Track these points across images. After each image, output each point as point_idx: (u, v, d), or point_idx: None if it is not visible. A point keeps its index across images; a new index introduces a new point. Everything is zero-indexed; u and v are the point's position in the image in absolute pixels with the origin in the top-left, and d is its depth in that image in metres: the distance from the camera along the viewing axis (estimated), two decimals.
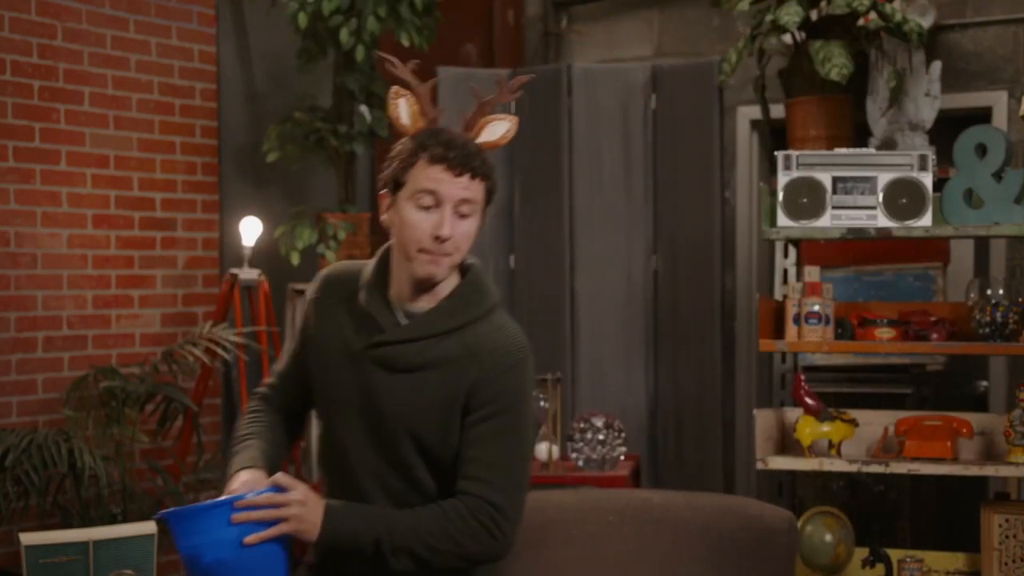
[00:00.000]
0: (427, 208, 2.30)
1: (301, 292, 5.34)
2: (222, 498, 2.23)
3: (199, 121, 5.37)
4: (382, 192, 2.38)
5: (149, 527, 3.02)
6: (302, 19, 5.07)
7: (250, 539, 2.20)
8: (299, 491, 2.24)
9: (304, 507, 2.23)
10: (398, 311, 2.38)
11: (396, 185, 2.35)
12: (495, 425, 2.32)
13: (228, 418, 5.45)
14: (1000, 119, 5.10)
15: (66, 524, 4.30)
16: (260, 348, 4.98)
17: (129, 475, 4.59)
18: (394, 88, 2.42)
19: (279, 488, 2.25)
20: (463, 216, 2.31)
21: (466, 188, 2.30)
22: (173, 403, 4.72)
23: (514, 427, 2.35)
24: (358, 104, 5.32)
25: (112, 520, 4.34)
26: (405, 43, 5.24)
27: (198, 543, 2.19)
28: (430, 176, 2.30)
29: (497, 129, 2.39)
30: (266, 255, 5.26)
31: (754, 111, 5.39)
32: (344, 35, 5.06)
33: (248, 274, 5.01)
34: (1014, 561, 3.73)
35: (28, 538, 2.87)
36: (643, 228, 5.30)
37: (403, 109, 2.39)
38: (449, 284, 2.40)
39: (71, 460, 4.24)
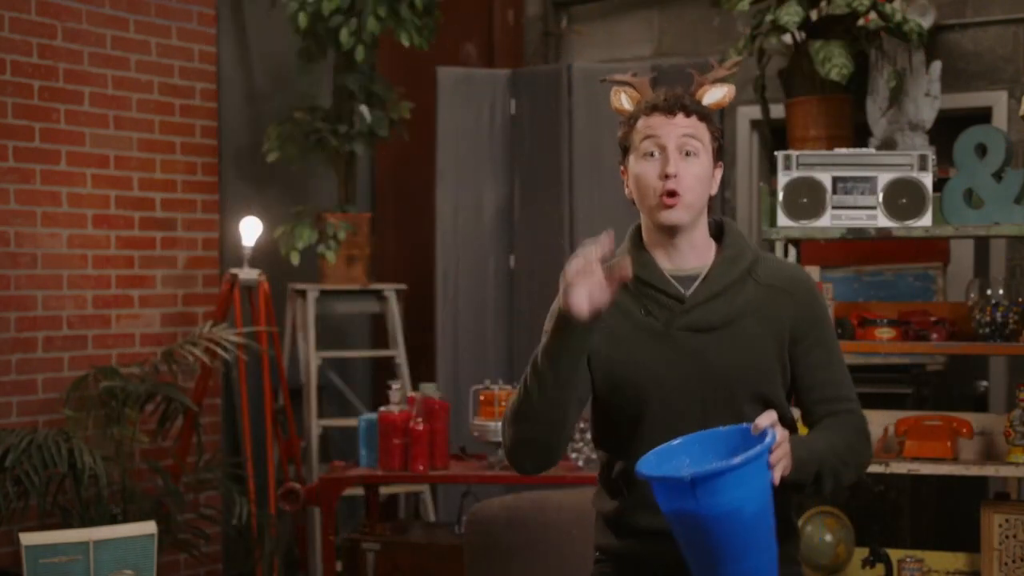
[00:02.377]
0: (651, 155, 2.37)
1: (301, 292, 5.36)
2: (753, 450, 2.10)
3: (199, 121, 5.37)
4: (621, 169, 2.46)
5: (149, 527, 3.02)
6: (302, 19, 5.07)
7: (776, 477, 2.13)
8: (782, 428, 2.18)
9: (788, 440, 2.20)
10: (675, 278, 2.40)
11: (624, 153, 2.44)
12: (828, 343, 2.42)
13: (228, 418, 5.45)
14: (1000, 119, 5.10)
15: (66, 524, 4.30)
16: (260, 348, 4.98)
17: (129, 475, 4.59)
18: (614, 87, 2.60)
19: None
20: (688, 155, 2.35)
21: (687, 126, 2.36)
22: (173, 403, 4.72)
23: (835, 341, 2.46)
24: (358, 104, 5.32)
25: (112, 520, 4.34)
26: (405, 43, 5.24)
27: (741, 495, 2.08)
28: (648, 125, 2.38)
29: (716, 93, 2.51)
30: (266, 255, 5.26)
31: (754, 111, 5.39)
32: (344, 35, 5.06)
33: (248, 274, 5.01)
34: (1014, 561, 3.73)
35: (28, 538, 2.87)
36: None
37: (623, 98, 2.55)
38: (709, 240, 2.44)
39: (71, 460, 4.24)
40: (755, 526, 2.12)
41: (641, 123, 2.41)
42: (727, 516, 2.09)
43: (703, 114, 2.40)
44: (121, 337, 5.09)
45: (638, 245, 2.45)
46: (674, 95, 2.41)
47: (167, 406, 4.73)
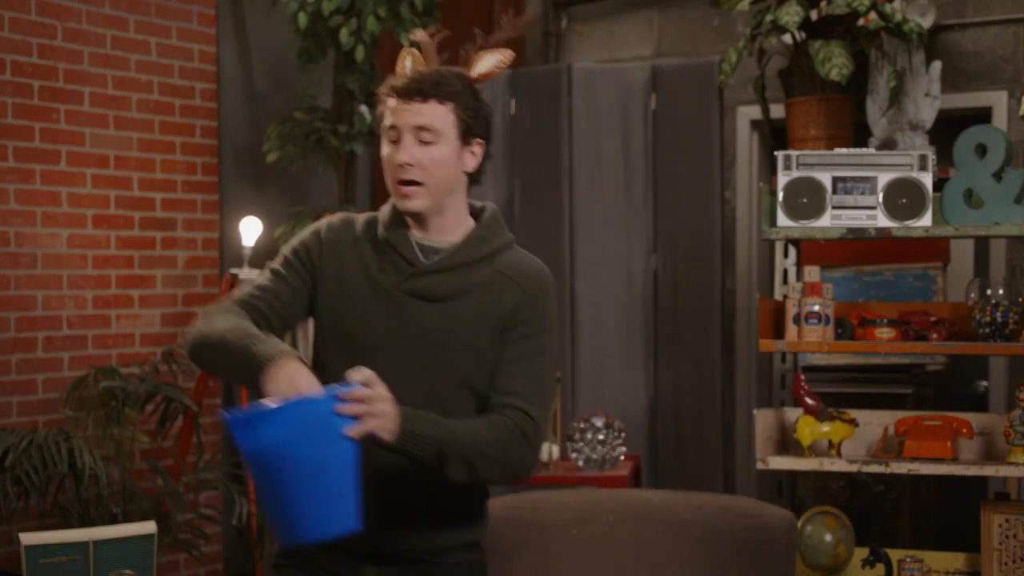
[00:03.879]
0: (394, 141, 2.36)
1: None
2: (321, 392, 2.16)
3: (199, 121, 5.37)
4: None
5: (149, 527, 3.02)
6: (302, 19, 5.07)
7: (349, 431, 2.16)
8: (383, 388, 2.21)
9: (391, 405, 2.21)
10: (420, 247, 2.41)
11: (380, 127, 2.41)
12: (534, 344, 2.40)
13: None
14: (1000, 119, 5.10)
15: (66, 524, 4.30)
16: None
17: (129, 475, 4.59)
18: (404, 48, 2.48)
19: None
20: (425, 143, 2.34)
21: (420, 113, 2.33)
22: (173, 403, 4.72)
23: (549, 348, 2.44)
24: (358, 104, 5.32)
25: (112, 520, 4.34)
26: (405, 43, 5.24)
27: (289, 437, 2.13)
28: (389, 108, 2.36)
29: (489, 61, 2.45)
30: (266, 255, 5.25)
31: (754, 111, 5.39)
32: (344, 35, 5.06)
33: (248, 274, 5.01)
34: (1014, 561, 3.73)
35: (28, 538, 2.87)
36: (643, 228, 5.30)
37: (409, 62, 2.45)
38: (467, 221, 2.45)
39: (71, 460, 4.24)
40: (322, 472, 2.14)
41: (385, 104, 2.38)
42: (285, 457, 2.13)
43: (445, 96, 2.35)
44: (121, 337, 5.09)
45: (395, 206, 2.44)
46: (416, 78, 2.36)
47: (167, 406, 4.73)
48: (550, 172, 5.33)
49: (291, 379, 2.19)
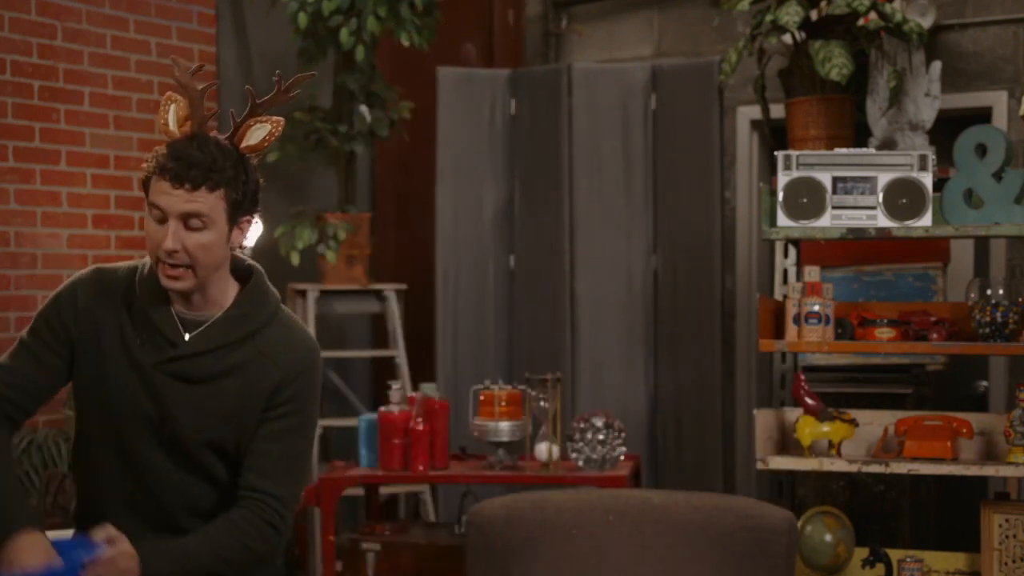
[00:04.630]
0: (160, 221, 2.29)
1: (302, 292, 5.36)
2: (64, 565, 2.18)
3: None
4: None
5: None
6: (302, 19, 5.07)
7: None
8: (126, 543, 2.25)
9: (134, 560, 2.25)
10: (181, 320, 2.38)
11: (145, 192, 2.34)
12: (288, 423, 2.40)
13: None
14: (1000, 119, 5.10)
15: (66, 524, 4.30)
16: None
17: None
18: (167, 93, 2.42)
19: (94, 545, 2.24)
20: (193, 229, 2.28)
21: (189, 201, 2.26)
22: None
23: (304, 425, 2.44)
24: (358, 104, 5.32)
25: None
26: (405, 43, 5.24)
27: None
28: (157, 189, 2.28)
29: (258, 133, 2.38)
30: (266, 255, 5.25)
31: (754, 111, 5.38)
32: (344, 35, 5.06)
33: None
34: (1014, 561, 3.73)
35: None
36: (643, 228, 5.30)
37: (171, 114, 2.38)
38: (230, 290, 2.42)
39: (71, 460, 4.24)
40: None
41: (154, 184, 2.28)
42: None
43: (215, 184, 2.28)
44: None
45: (155, 277, 2.37)
46: (188, 162, 2.26)
47: None
48: (550, 172, 5.33)
49: (17, 555, 2.21)
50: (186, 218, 2.27)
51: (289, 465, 2.41)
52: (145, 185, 2.31)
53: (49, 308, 2.41)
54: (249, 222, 2.38)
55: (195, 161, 2.27)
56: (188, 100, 2.39)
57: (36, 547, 2.23)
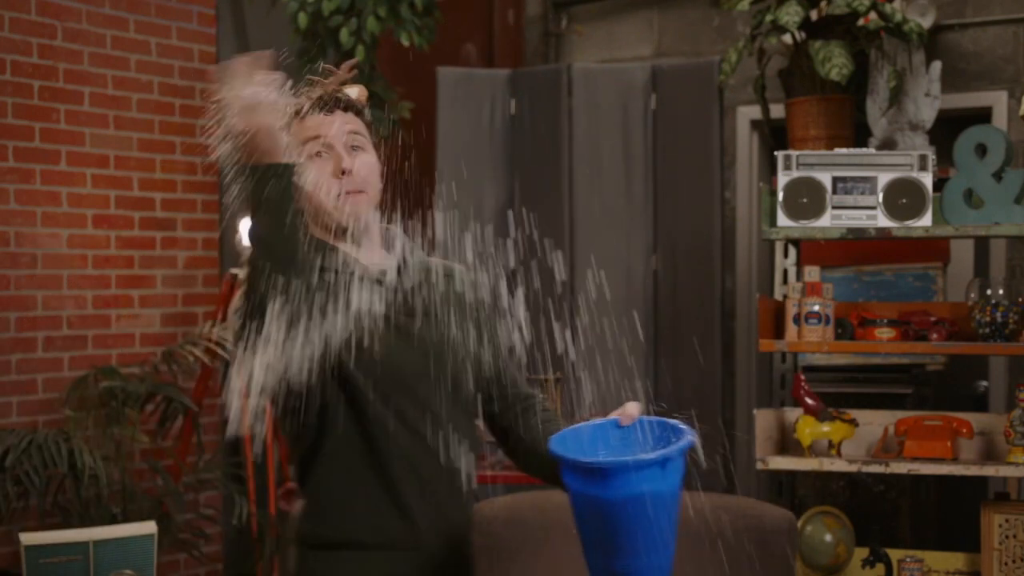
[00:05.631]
0: (318, 155, 2.30)
1: None
2: (686, 439, 2.07)
3: (199, 121, 5.36)
4: None
5: (149, 527, 3.02)
6: (302, 19, 5.07)
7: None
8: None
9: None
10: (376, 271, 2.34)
11: (295, 145, 2.32)
12: (491, 329, 2.46)
13: (228, 418, 5.45)
14: (1000, 119, 5.10)
15: (66, 524, 4.30)
16: None
17: (129, 475, 4.59)
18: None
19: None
20: (358, 147, 2.33)
21: (348, 121, 2.33)
22: (173, 403, 4.72)
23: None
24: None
25: (112, 520, 4.34)
26: (405, 43, 5.24)
27: (661, 487, 2.02)
28: (311, 125, 2.31)
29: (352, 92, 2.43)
30: None
31: (754, 111, 5.39)
32: (344, 35, 5.06)
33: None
34: (1014, 561, 3.73)
35: (28, 538, 2.87)
36: (643, 228, 5.30)
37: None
38: (378, 231, 2.39)
39: (71, 460, 4.25)
40: (664, 522, 2.05)
41: (299, 127, 2.31)
42: (643, 506, 2.00)
43: (357, 110, 2.37)
44: (121, 337, 5.09)
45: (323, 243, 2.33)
46: (328, 93, 2.36)
47: (167, 406, 4.73)
48: (550, 172, 5.33)
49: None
50: (350, 137, 2.31)
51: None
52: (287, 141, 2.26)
53: None
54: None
55: (335, 94, 2.35)
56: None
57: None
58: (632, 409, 2.19)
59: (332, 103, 2.33)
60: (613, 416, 2.20)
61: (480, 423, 2.44)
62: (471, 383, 2.36)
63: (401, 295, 2.34)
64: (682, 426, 2.12)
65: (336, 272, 2.28)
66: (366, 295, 2.30)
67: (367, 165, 2.32)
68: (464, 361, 2.35)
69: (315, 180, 2.29)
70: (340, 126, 2.31)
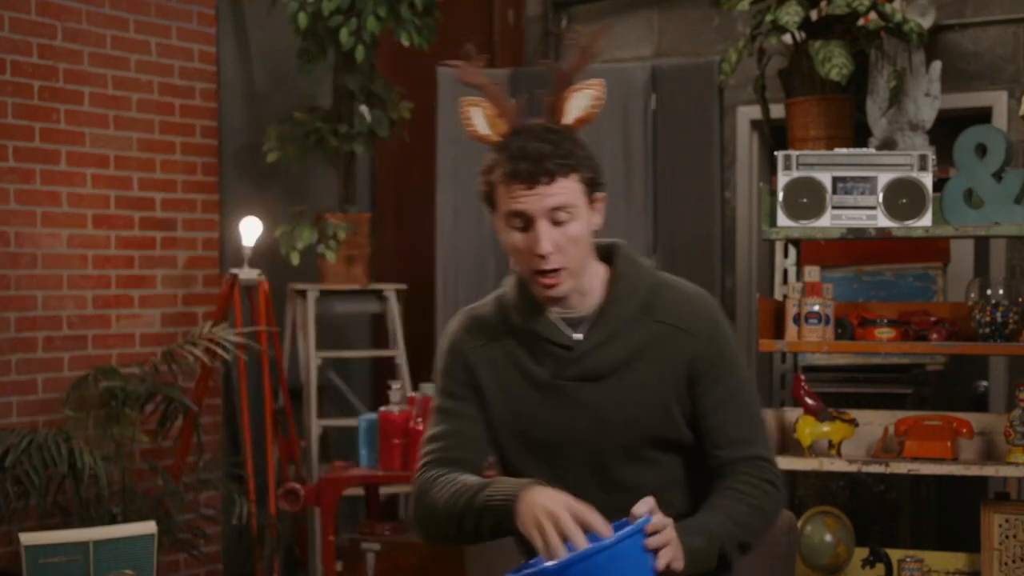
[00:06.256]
0: (522, 229, 2.19)
1: (302, 292, 5.36)
2: (628, 529, 2.00)
3: (199, 121, 5.37)
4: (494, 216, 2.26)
5: (149, 527, 3.02)
6: (302, 19, 5.07)
7: (659, 565, 2.01)
8: (662, 516, 2.07)
9: (673, 530, 2.06)
10: (564, 321, 2.26)
11: (491, 206, 2.24)
12: (727, 385, 2.25)
13: (228, 418, 5.45)
14: (1000, 119, 5.10)
15: (66, 524, 4.30)
16: (260, 348, 4.98)
17: (129, 475, 4.59)
18: (462, 99, 2.26)
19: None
20: (561, 223, 2.18)
21: (551, 195, 2.15)
22: (173, 403, 4.72)
23: (742, 379, 2.29)
24: (358, 104, 5.32)
25: (112, 520, 4.34)
26: (405, 43, 5.24)
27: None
28: (511, 195, 2.17)
29: (580, 102, 2.26)
30: (266, 255, 5.26)
31: (754, 111, 5.38)
32: (344, 35, 5.06)
33: (248, 274, 5.01)
34: (1014, 561, 3.73)
35: (28, 538, 2.87)
36: (643, 228, 5.30)
37: (478, 119, 2.24)
38: (599, 275, 2.28)
39: (71, 460, 4.25)
40: None
41: (503, 192, 2.18)
42: None
43: (568, 167, 2.17)
44: (121, 337, 5.09)
45: (524, 287, 2.29)
46: (533, 157, 2.14)
47: (167, 406, 4.74)
48: None
49: (550, 505, 2.02)
50: (552, 213, 2.16)
51: (749, 423, 2.26)
52: (488, 200, 2.21)
53: (446, 368, 2.33)
54: (603, 199, 2.26)
55: (541, 153, 2.15)
56: (490, 98, 2.24)
57: (555, 495, 2.05)
58: (652, 504, 2.07)
59: (537, 174, 2.14)
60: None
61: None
62: (638, 450, 2.25)
63: (583, 356, 2.24)
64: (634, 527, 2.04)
65: (526, 345, 2.26)
66: (541, 362, 2.24)
67: (570, 240, 2.19)
68: (642, 421, 2.23)
69: (514, 248, 2.22)
70: (542, 201, 2.15)
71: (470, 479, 2.20)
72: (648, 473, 2.26)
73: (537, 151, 2.15)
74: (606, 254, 2.32)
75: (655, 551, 2.01)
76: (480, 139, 2.24)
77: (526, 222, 2.18)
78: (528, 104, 2.28)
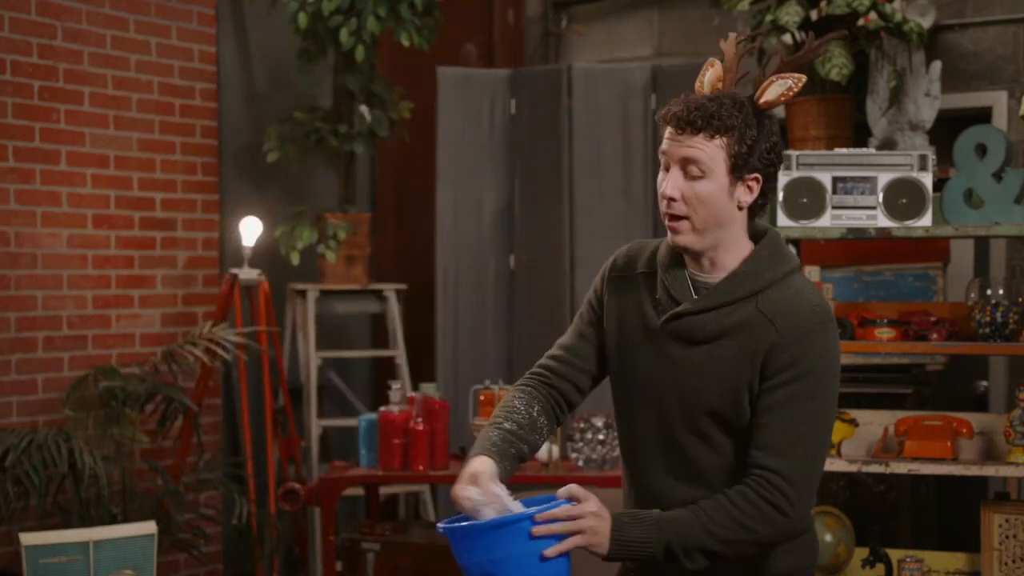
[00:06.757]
0: (665, 168, 2.31)
1: (302, 292, 5.36)
2: (518, 513, 2.12)
3: (199, 121, 5.37)
4: None
5: (149, 527, 3.03)
6: (302, 19, 5.07)
7: (549, 552, 2.11)
8: (592, 503, 2.17)
9: (598, 519, 2.16)
10: (694, 283, 2.33)
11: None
12: (790, 392, 2.23)
13: (228, 418, 5.46)
14: (1000, 119, 5.10)
15: (66, 524, 4.30)
16: (260, 348, 4.98)
17: (129, 475, 4.59)
18: (709, 59, 2.42)
19: (570, 500, 2.17)
20: (692, 177, 2.26)
21: (687, 146, 2.25)
22: (173, 403, 4.72)
23: (811, 396, 2.25)
24: (358, 104, 5.32)
25: (112, 520, 4.34)
26: (405, 43, 5.24)
27: (494, 558, 2.09)
28: (664, 136, 2.30)
29: (776, 88, 2.37)
30: (266, 255, 5.26)
31: None
32: (344, 35, 5.06)
33: (248, 274, 5.01)
34: (1014, 561, 3.73)
35: (28, 538, 2.87)
36: (643, 228, 5.30)
37: (708, 76, 2.39)
38: (740, 251, 2.32)
39: (71, 460, 4.25)
40: None
41: (662, 129, 2.32)
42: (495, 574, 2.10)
43: (716, 130, 2.24)
44: (121, 337, 5.09)
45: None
46: (690, 107, 2.26)
47: (167, 406, 4.74)
48: (550, 172, 5.33)
49: (463, 479, 2.18)
50: (684, 164, 2.26)
51: (794, 439, 2.22)
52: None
53: (594, 284, 2.47)
54: (758, 181, 2.28)
55: (699, 107, 2.26)
56: (724, 63, 2.40)
57: (482, 468, 2.19)
58: (572, 491, 2.19)
59: (685, 122, 2.25)
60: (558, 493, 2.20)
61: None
62: (700, 421, 2.29)
63: (684, 317, 2.30)
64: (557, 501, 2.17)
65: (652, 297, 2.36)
66: (656, 309, 2.33)
67: (697, 196, 2.25)
68: (712, 396, 2.27)
69: (659, 189, 2.33)
70: (679, 148, 2.26)
71: (492, 434, 2.32)
72: (706, 450, 2.31)
73: (698, 105, 2.27)
74: (758, 236, 2.37)
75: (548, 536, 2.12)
76: (697, 91, 2.39)
77: (666, 164, 2.30)
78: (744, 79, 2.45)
